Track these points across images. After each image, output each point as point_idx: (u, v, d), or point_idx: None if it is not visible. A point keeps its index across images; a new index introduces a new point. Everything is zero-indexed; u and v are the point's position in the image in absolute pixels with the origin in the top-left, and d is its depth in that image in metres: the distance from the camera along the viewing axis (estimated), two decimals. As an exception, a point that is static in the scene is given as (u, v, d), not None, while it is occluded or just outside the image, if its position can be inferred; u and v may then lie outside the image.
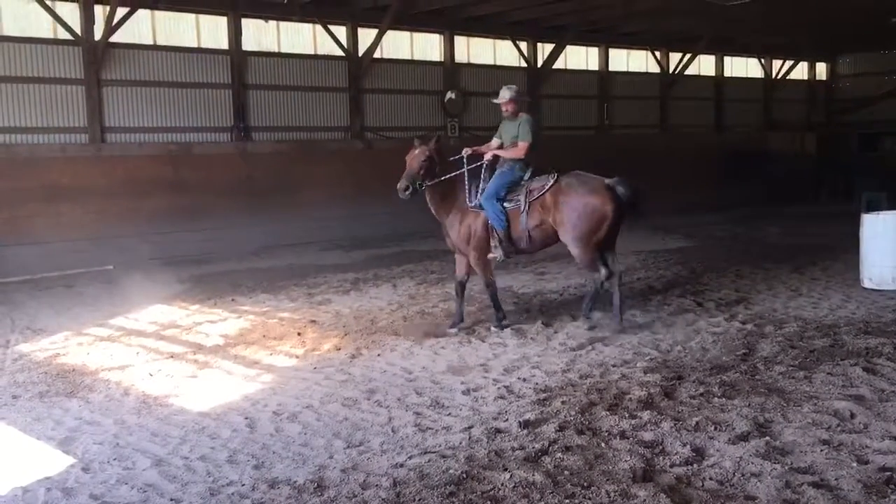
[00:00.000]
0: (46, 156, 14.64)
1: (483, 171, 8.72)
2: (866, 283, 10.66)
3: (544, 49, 22.25)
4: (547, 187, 8.52)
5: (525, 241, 8.69)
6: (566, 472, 4.84)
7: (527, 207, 8.54)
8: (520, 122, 8.74)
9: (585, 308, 8.89)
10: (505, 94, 8.76)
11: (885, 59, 28.97)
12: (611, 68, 24.21)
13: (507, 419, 5.86)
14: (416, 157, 8.62)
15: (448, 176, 8.72)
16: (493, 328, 8.75)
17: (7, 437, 5.96)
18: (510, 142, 8.77)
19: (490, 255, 8.73)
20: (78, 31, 14.90)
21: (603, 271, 8.52)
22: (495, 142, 8.97)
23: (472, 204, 8.65)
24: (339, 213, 17.64)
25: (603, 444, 5.27)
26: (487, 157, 8.75)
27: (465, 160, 8.76)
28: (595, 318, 8.85)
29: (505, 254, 8.70)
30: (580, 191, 8.44)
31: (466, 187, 8.71)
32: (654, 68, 25.42)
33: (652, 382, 6.58)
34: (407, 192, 8.56)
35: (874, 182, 20.97)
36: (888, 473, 4.67)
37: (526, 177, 8.67)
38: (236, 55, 16.95)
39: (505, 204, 8.59)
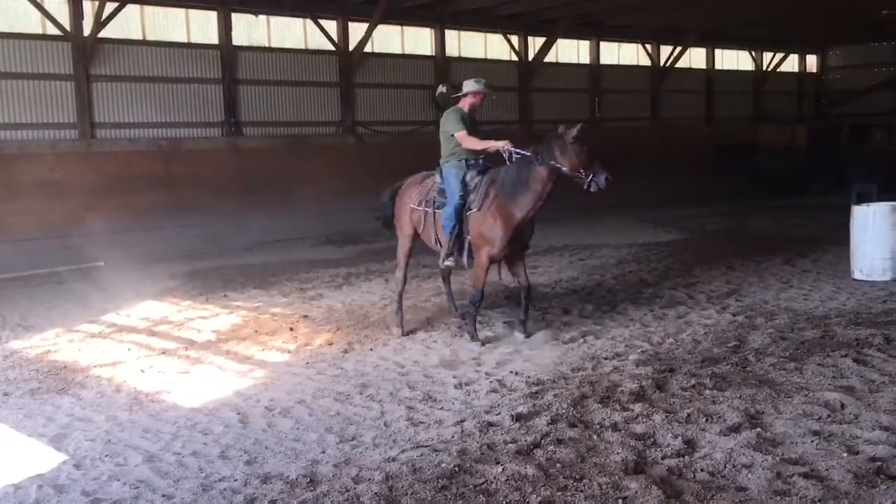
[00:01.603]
0: (36, 152, 14.60)
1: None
2: (857, 275, 10.70)
3: (535, 42, 22.26)
4: None
5: None
6: (558, 465, 4.85)
7: None
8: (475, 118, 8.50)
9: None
10: (477, 86, 8.31)
11: (875, 51, 29.10)
12: (602, 62, 24.24)
13: (499, 413, 5.87)
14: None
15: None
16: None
17: (-2, 435, 5.95)
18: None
19: None
20: (67, 26, 14.84)
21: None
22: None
23: None
24: (331, 208, 17.61)
25: (595, 437, 5.28)
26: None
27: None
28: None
29: None
30: None
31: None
32: (645, 61, 25.46)
33: (643, 375, 6.60)
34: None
35: (865, 174, 21.03)
36: (878, 463, 4.69)
37: None
38: (226, 50, 16.90)
39: None
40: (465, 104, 8.36)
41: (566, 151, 7.64)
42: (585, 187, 7.67)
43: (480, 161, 8.32)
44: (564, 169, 7.64)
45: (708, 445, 5.08)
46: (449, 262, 8.43)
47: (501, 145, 8.02)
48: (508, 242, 7.91)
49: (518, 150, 7.95)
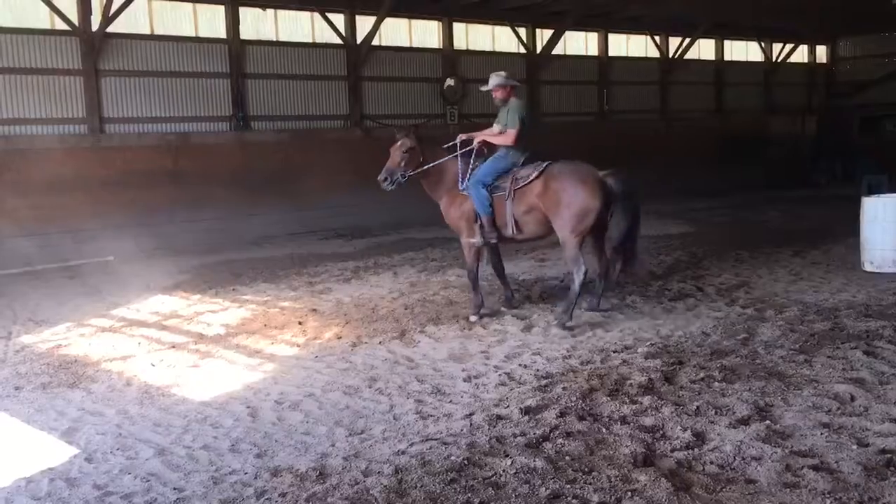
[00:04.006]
0: (45, 147, 14.63)
1: (472, 156, 8.78)
2: (867, 267, 10.66)
3: (543, 35, 22.16)
4: (534, 175, 8.44)
5: (511, 228, 8.60)
6: (567, 458, 4.86)
7: (511, 195, 8.48)
8: (508, 108, 8.73)
9: (592, 304, 8.98)
10: (493, 81, 8.76)
11: (886, 42, 28.87)
12: (610, 53, 24.13)
13: (508, 406, 5.88)
14: (397, 148, 8.97)
15: (434, 164, 8.89)
16: (471, 317, 8.77)
17: (10, 429, 5.98)
18: (500, 129, 8.78)
19: (471, 241, 8.78)
20: (75, 21, 14.85)
21: (583, 268, 8.30)
22: (496, 128, 8.92)
23: (462, 188, 8.77)
24: (339, 202, 17.60)
25: (604, 430, 5.28)
26: (476, 143, 8.80)
27: (458, 145, 8.87)
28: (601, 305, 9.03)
29: (485, 240, 8.71)
30: (569, 180, 8.33)
31: (460, 172, 8.79)
32: (654, 53, 25.32)
33: (652, 368, 6.60)
34: (386, 184, 9.00)
35: (875, 165, 20.93)
36: (888, 456, 4.69)
37: (520, 163, 8.67)
38: (234, 44, 16.90)
39: (491, 190, 8.62)
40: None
41: None
42: None
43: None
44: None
45: (717, 438, 5.08)
46: None
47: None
48: None
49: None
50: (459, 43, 20.69)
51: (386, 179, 8.94)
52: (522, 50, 21.97)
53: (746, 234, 14.86)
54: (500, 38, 21.65)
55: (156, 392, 6.70)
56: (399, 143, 8.96)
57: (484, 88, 8.87)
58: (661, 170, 22.31)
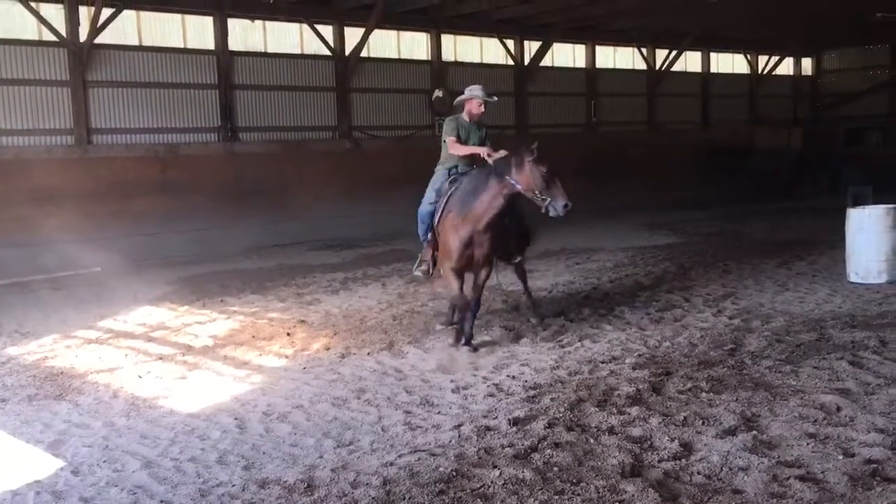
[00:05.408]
0: (32, 158, 14.60)
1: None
2: (852, 278, 10.73)
3: (531, 47, 22.30)
4: None
5: None
6: (555, 469, 4.86)
7: None
8: (484, 129, 8.47)
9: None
10: (487, 95, 8.34)
11: (870, 54, 29.21)
12: (598, 65, 24.28)
13: (496, 417, 5.88)
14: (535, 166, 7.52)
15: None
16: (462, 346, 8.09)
17: (-4, 441, 5.95)
18: (474, 143, 8.31)
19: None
20: (63, 32, 14.85)
21: None
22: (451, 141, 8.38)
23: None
24: (328, 213, 17.62)
25: (592, 440, 5.29)
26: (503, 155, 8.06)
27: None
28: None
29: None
30: None
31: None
32: (641, 65, 25.51)
33: (640, 378, 6.61)
34: None
35: (860, 176, 21.08)
36: (874, 466, 4.71)
37: None
38: (223, 55, 16.92)
39: None
40: (465, 111, 8.42)
41: (523, 169, 7.52)
42: (543, 211, 7.58)
43: (472, 169, 8.23)
44: (519, 187, 7.54)
45: (704, 448, 5.10)
46: (417, 272, 8.70)
47: (481, 151, 8.00)
48: (464, 254, 7.79)
49: (496, 156, 7.81)
50: (448, 54, 20.79)
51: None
52: (510, 62, 22.09)
53: (733, 245, 14.94)
54: (488, 50, 21.77)
55: (143, 404, 6.67)
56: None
57: (490, 100, 8.40)
58: (647, 181, 22.45)
